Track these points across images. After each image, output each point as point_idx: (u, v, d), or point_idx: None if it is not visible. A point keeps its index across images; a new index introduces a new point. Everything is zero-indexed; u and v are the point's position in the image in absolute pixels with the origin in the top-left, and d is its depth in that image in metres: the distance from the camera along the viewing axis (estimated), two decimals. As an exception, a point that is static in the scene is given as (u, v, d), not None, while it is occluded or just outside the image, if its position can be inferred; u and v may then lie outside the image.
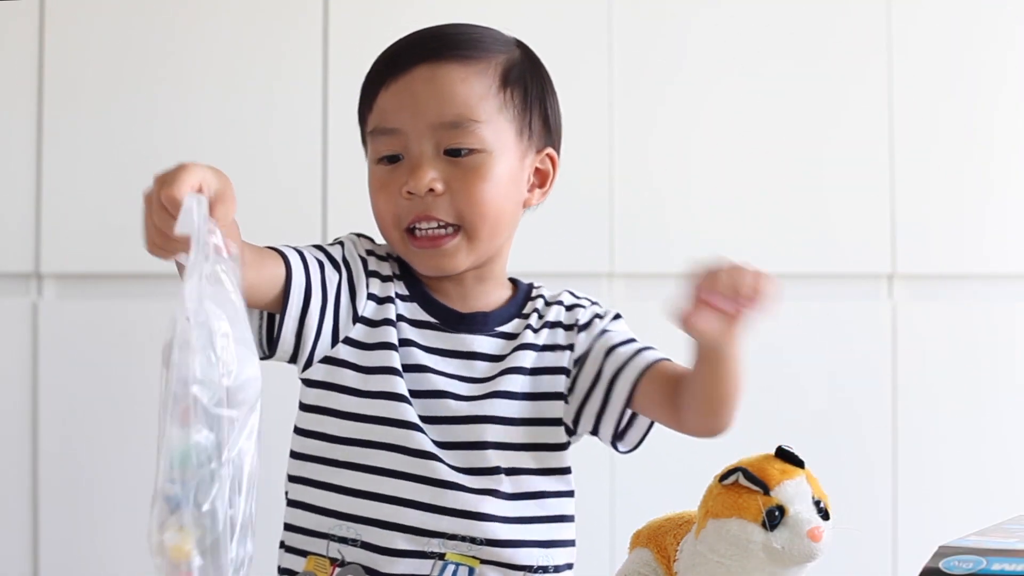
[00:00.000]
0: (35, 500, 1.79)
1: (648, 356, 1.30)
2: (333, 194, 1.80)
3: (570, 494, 1.32)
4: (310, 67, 1.81)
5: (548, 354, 1.32)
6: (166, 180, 1.00)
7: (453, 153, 1.28)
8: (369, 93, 1.32)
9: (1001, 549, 1.07)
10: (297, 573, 1.27)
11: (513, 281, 1.37)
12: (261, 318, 1.25)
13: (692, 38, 1.86)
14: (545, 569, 1.28)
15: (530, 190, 1.34)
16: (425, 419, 1.26)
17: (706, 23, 1.86)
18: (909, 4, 1.87)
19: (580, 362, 1.32)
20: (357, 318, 1.28)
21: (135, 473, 1.76)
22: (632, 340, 1.33)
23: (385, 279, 1.31)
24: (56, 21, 1.80)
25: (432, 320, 1.31)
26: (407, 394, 1.26)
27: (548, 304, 1.35)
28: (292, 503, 1.30)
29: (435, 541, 1.25)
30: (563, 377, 1.31)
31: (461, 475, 1.26)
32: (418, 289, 1.32)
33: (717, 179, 1.84)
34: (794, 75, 1.85)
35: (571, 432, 1.32)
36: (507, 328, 1.32)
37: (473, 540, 1.25)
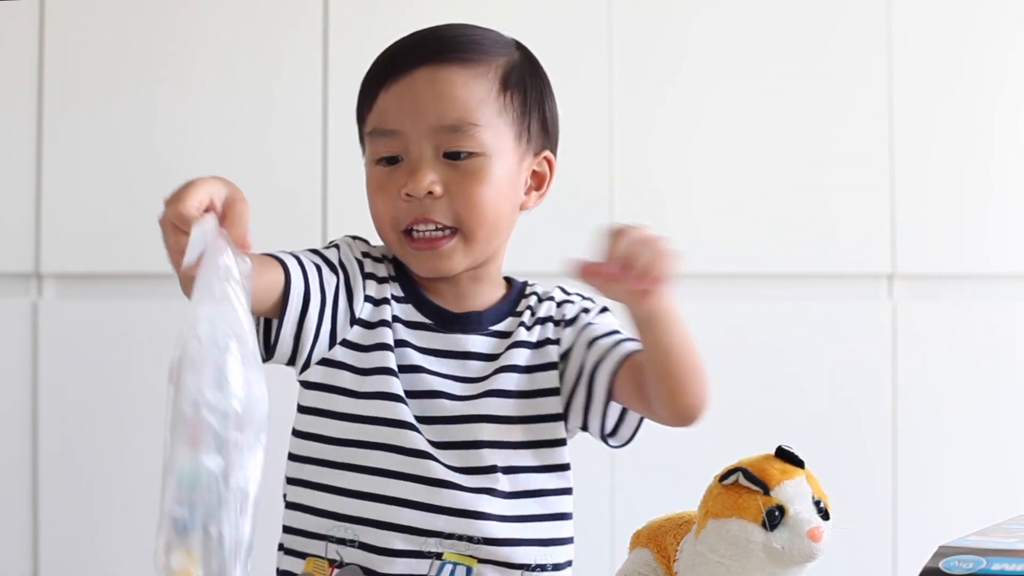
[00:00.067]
0: (35, 500, 1.78)
1: (627, 347, 1.29)
2: (333, 194, 1.80)
3: (569, 491, 1.32)
4: (310, 67, 1.81)
5: (541, 350, 1.32)
6: (174, 199, 1.02)
7: (452, 156, 1.28)
8: (369, 93, 1.32)
9: (1001, 549, 1.07)
10: (296, 575, 1.27)
11: (508, 280, 1.37)
12: (258, 322, 1.25)
13: (692, 38, 1.86)
14: (543, 567, 1.28)
15: (527, 193, 1.34)
16: (421, 419, 1.27)
17: (706, 23, 1.86)
18: (909, 4, 1.87)
19: (566, 356, 1.32)
20: (354, 320, 1.29)
21: (135, 473, 1.77)
22: (615, 332, 1.32)
23: (381, 281, 1.31)
24: (56, 21, 1.80)
25: (426, 321, 1.31)
26: (403, 394, 1.27)
27: (540, 300, 1.35)
28: (290, 505, 1.30)
29: (432, 541, 1.25)
30: (555, 372, 1.31)
31: (457, 474, 1.26)
32: (413, 290, 1.32)
33: (717, 179, 1.85)
34: (794, 75, 1.85)
35: (566, 427, 1.32)
36: (500, 327, 1.33)
37: (470, 539, 1.25)
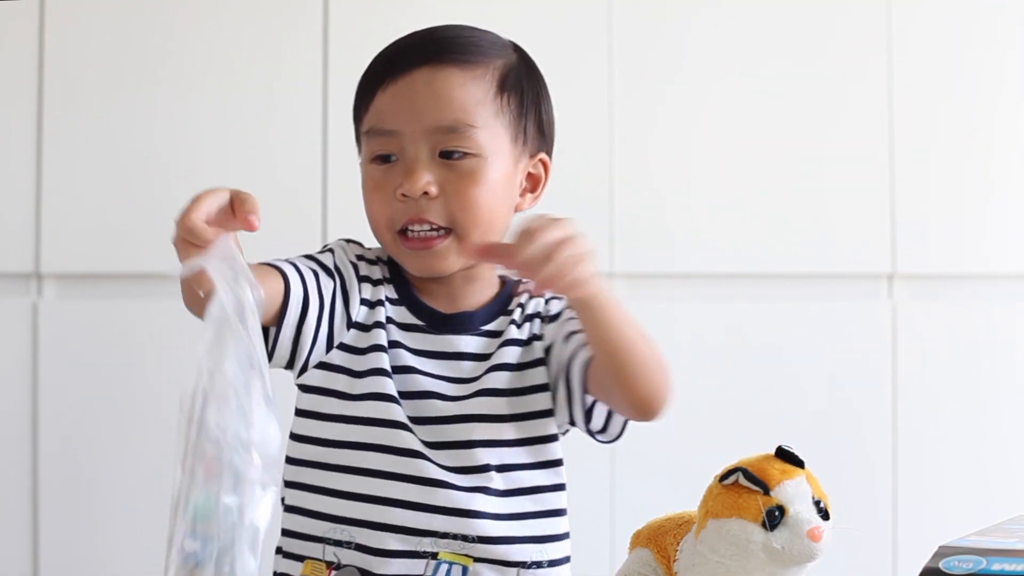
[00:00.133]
0: (35, 500, 1.79)
1: None
2: (333, 194, 1.80)
3: (562, 487, 1.32)
4: (310, 67, 1.81)
5: (530, 347, 1.32)
6: (181, 216, 1.03)
7: (448, 155, 1.28)
8: (366, 93, 1.32)
9: (1001, 549, 1.07)
10: (294, 578, 1.28)
11: (503, 278, 1.37)
12: None
13: (692, 38, 1.86)
14: (540, 564, 1.28)
15: (522, 195, 1.35)
16: (414, 420, 1.27)
17: (706, 23, 1.86)
18: (909, 4, 1.87)
19: (549, 351, 1.32)
20: (351, 323, 1.29)
21: (135, 473, 1.77)
22: None
23: (376, 283, 1.32)
24: (56, 21, 1.80)
25: (419, 323, 1.31)
26: (396, 395, 1.27)
27: (531, 297, 1.35)
28: (288, 508, 1.30)
29: (427, 540, 1.25)
30: (543, 368, 1.32)
31: (451, 474, 1.26)
32: (406, 292, 1.33)
33: (717, 179, 1.84)
34: (794, 75, 1.85)
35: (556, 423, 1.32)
36: (492, 326, 1.33)
37: (465, 538, 1.25)
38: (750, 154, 1.85)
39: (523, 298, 1.35)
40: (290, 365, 1.28)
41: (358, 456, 1.26)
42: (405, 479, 1.25)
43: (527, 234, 1.13)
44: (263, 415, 0.97)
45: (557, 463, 1.32)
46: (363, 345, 1.29)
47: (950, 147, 1.87)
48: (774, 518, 1.18)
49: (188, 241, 1.03)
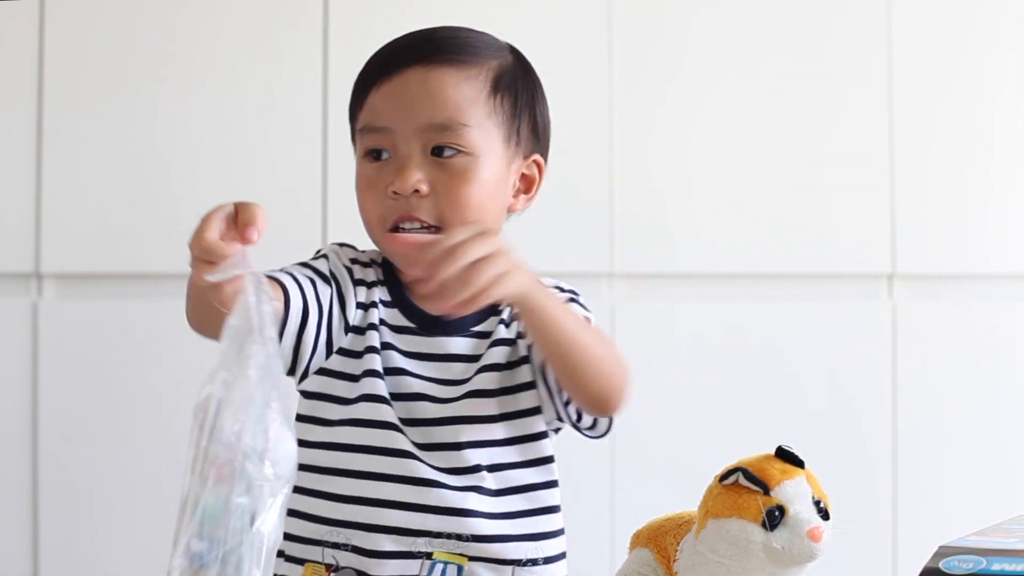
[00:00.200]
0: (35, 500, 1.79)
1: None
2: (333, 194, 1.80)
3: (555, 484, 1.32)
4: (310, 67, 1.81)
5: (516, 346, 1.32)
6: (194, 237, 1.02)
7: (439, 153, 1.28)
8: (361, 91, 1.32)
9: (1001, 549, 1.07)
10: (295, 581, 1.28)
11: None
12: None
13: (692, 38, 1.86)
14: (535, 562, 1.28)
15: (515, 196, 1.35)
16: (405, 421, 1.27)
17: (706, 23, 1.86)
18: (909, 4, 1.87)
19: (531, 348, 1.32)
20: (348, 328, 1.30)
21: (135, 473, 1.77)
22: None
23: (370, 285, 1.32)
24: (56, 21, 1.80)
25: (410, 325, 1.32)
26: (387, 396, 1.27)
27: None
28: (289, 512, 1.29)
29: (421, 540, 1.25)
30: (528, 366, 1.32)
31: (443, 474, 1.26)
32: (399, 294, 1.33)
33: (717, 179, 1.85)
34: (794, 75, 1.85)
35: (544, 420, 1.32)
36: (481, 327, 1.33)
37: (459, 537, 1.25)
38: (750, 154, 1.85)
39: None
40: (291, 372, 1.29)
41: (350, 458, 1.27)
42: (397, 480, 1.26)
43: (447, 253, 1.12)
44: (279, 427, 0.97)
45: (548, 460, 1.32)
46: (359, 348, 1.29)
47: (950, 147, 1.87)
48: (774, 518, 1.18)
49: (204, 260, 1.02)
